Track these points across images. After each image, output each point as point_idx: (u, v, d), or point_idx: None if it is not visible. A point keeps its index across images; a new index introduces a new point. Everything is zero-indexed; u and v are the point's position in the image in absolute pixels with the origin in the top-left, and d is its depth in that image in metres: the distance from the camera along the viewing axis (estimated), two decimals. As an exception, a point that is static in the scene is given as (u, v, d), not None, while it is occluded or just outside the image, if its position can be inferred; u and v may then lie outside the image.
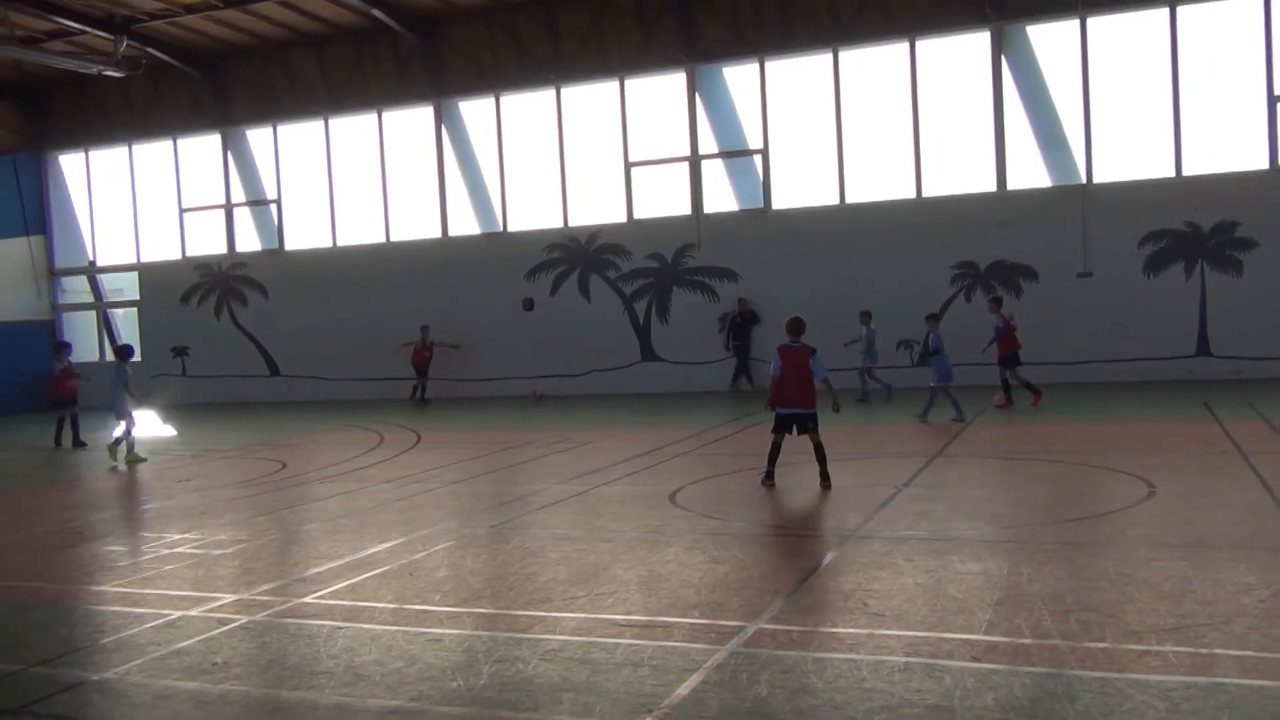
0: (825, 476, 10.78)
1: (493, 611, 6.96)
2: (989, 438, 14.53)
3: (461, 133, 25.74)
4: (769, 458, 11.06)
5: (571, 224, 24.57)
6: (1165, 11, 20.20)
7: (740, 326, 22.82)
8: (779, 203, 22.80)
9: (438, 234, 25.80)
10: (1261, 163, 19.94)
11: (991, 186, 21.41)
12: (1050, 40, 21.08)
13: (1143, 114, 20.59)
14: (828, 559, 8.02)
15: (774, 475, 11.05)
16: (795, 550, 8.60)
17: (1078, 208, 20.73)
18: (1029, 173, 21.29)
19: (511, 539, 9.15)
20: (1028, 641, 5.94)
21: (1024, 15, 20.90)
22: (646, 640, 6.14)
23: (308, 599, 7.42)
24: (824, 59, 22.21)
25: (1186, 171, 20.34)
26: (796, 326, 11.10)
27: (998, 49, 21.13)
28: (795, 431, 10.91)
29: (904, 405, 17.80)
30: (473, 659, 5.96)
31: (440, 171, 25.73)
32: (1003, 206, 21.18)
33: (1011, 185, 21.30)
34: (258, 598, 7.52)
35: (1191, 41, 20.20)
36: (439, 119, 25.61)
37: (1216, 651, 5.64)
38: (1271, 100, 19.73)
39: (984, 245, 21.26)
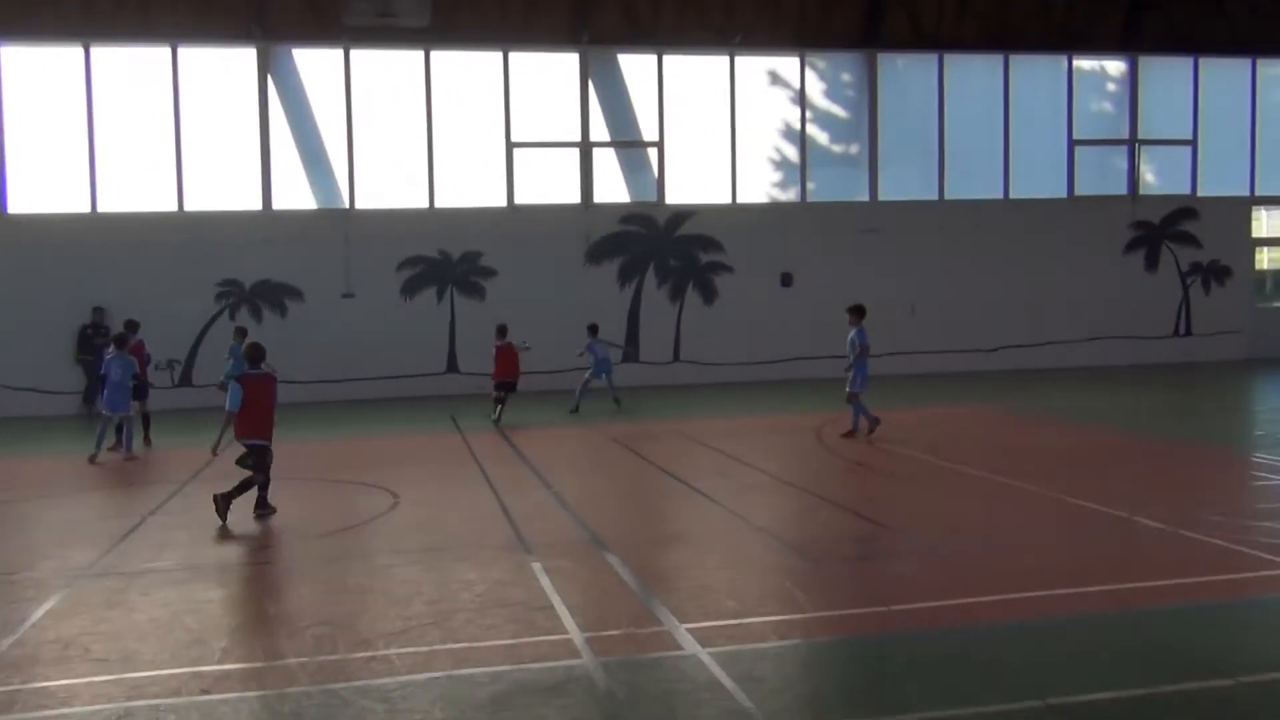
0: (224, 499, 9.70)
1: None
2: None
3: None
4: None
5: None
6: (420, 54, 21.78)
7: (90, 339, 19.57)
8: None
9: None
10: (501, 201, 22.34)
11: (257, 205, 21.25)
12: (315, 66, 21.54)
13: (401, 146, 21.93)
14: (48, 605, 7.20)
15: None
16: (7, 599, 7.56)
17: (341, 230, 21.42)
18: (294, 194, 21.53)
19: None
20: (260, 665, 5.89)
21: (289, 38, 21.10)
22: None
23: None
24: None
25: (439, 204, 22.07)
26: (255, 354, 10.31)
27: (264, 68, 21.06)
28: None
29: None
30: None
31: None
32: (268, 225, 21.12)
33: (277, 205, 21.34)
34: None
35: (442, 90, 22.00)
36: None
37: (436, 648, 6.09)
38: (510, 148, 22.20)
39: (249, 264, 21.01)
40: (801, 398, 19.45)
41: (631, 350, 22.74)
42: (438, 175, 22.14)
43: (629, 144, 23.06)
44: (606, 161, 23.09)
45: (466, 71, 22.25)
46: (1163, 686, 5.24)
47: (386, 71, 21.91)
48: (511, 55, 22.29)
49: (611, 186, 23.08)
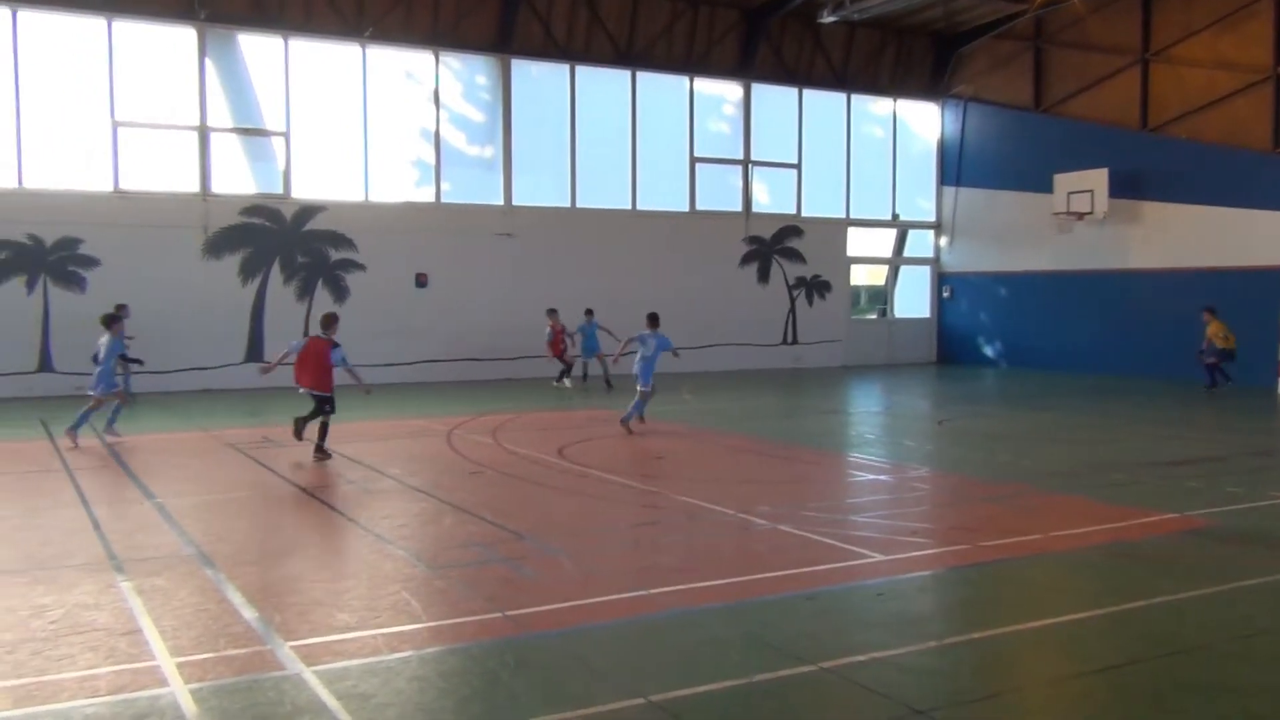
0: None
1: None
2: None
3: None
4: None
5: None
6: (6, 14, 19.43)
7: None
8: None
9: None
10: (105, 185, 20.37)
11: None
12: None
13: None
14: None
15: None
16: None
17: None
18: None
19: None
20: None
21: None
22: None
23: None
24: None
25: (29, 184, 19.79)
26: None
27: None
28: None
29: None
30: None
31: None
32: None
33: None
34: None
35: (35, 56, 19.74)
36: None
37: (-6, 686, 5.33)
38: (115, 127, 20.28)
39: None
40: (435, 401, 19.22)
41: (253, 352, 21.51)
42: (28, 152, 19.86)
43: (253, 132, 21.84)
44: (228, 149, 21.71)
45: (66, 38, 20.14)
46: (757, 676, 5.53)
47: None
48: (116, 25, 20.43)
49: (233, 176, 21.73)
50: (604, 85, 25.14)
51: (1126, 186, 24.58)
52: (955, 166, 29.29)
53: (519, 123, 24.17)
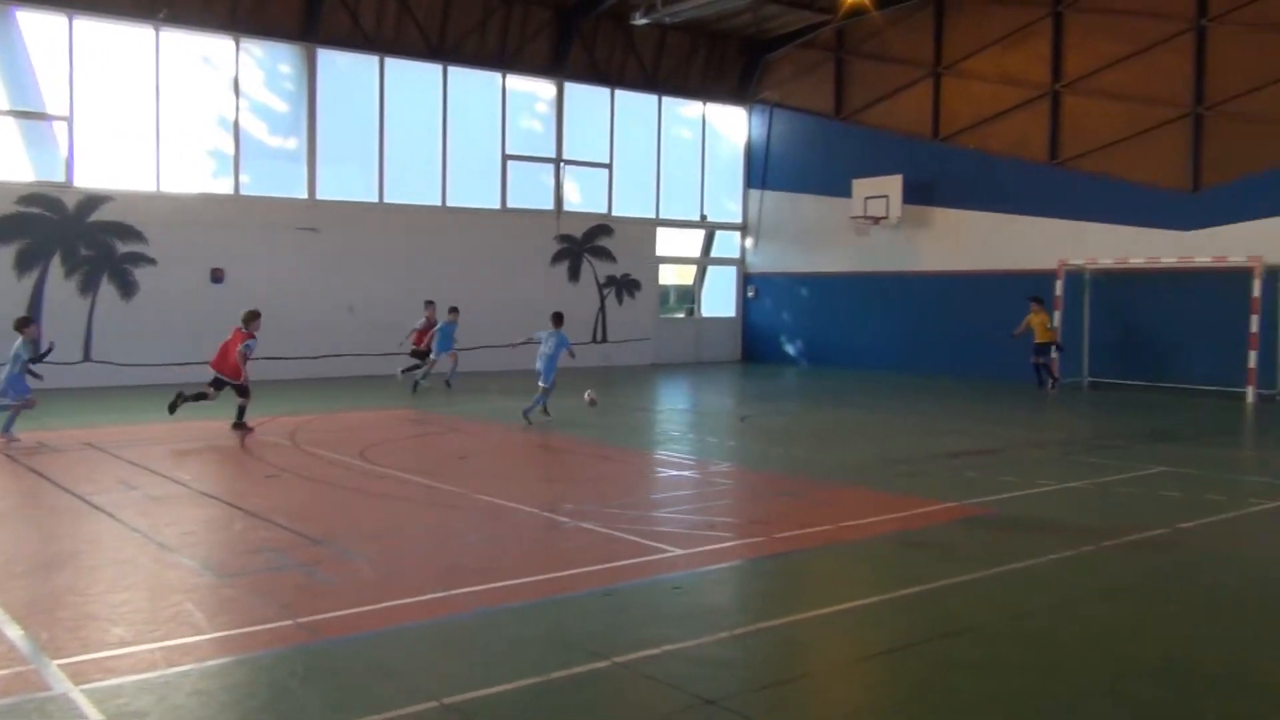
0: None
1: None
2: None
3: None
4: None
5: None
6: None
7: None
8: None
9: None
10: None
11: None
12: None
13: None
14: None
15: None
16: None
17: None
18: None
19: None
20: None
21: None
22: None
23: None
24: None
25: None
26: None
27: None
28: None
29: None
30: None
31: None
32: None
33: None
34: None
35: None
36: None
37: None
38: None
39: None
40: (230, 402, 18.44)
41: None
42: None
43: (31, 115, 20.45)
44: (3, 133, 20.25)
45: None
46: (552, 674, 5.53)
47: None
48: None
49: (9, 162, 20.29)
50: (414, 79, 24.69)
51: (919, 193, 25.85)
52: (761, 170, 30.14)
53: (324, 114, 23.47)
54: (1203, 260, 20.68)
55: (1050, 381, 22.13)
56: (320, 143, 23.44)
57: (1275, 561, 8.45)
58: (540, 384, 15.94)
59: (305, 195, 23.32)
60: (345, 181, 23.97)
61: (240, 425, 14.47)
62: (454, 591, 7.04)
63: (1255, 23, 20.51)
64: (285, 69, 23.28)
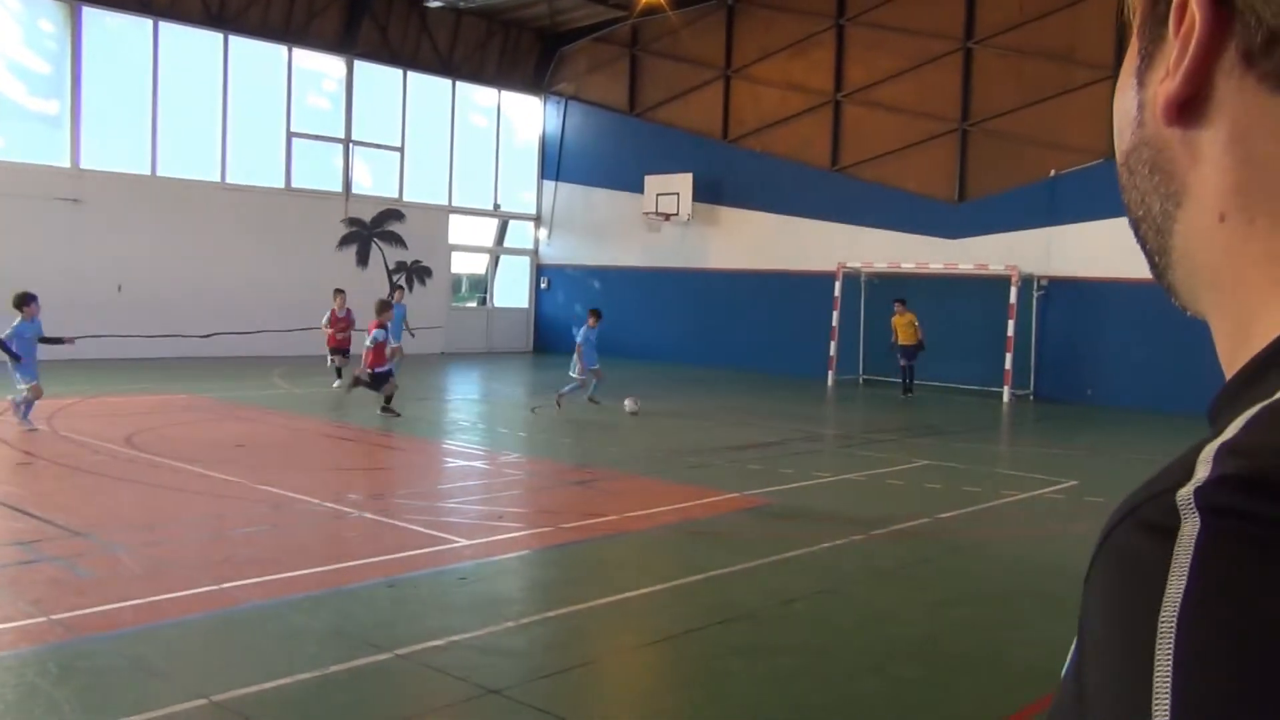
0: None
1: None
2: None
3: None
4: None
5: None
6: None
7: None
8: None
9: None
10: None
11: None
12: None
13: None
14: None
15: None
16: None
17: None
18: None
19: None
20: None
21: None
22: None
23: None
24: None
25: None
26: None
27: None
28: None
29: None
30: None
31: None
32: None
33: None
34: None
35: None
36: None
37: None
38: None
39: None
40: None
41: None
42: None
43: None
44: None
45: None
46: (331, 667, 5.39)
47: None
48: None
49: None
50: (192, 46, 23.41)
51: (709, 191, 26.51)
52: (555, 162, 30.18)
53: (90, 78, 21.94)
54: (966, 267, 22.10)
55: (906, 386, 21.36)
56: (85, 108, 21.91)
57: (1023, 549, 9.14)
58: (590, 370, 16.69)
59: (67, 164, 21.75)
60: (113, 151, 22.50)
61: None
62: (228, 585, 6.75)
63: (1016, 48, 22.06)
64: (47, 26, 21.64)
